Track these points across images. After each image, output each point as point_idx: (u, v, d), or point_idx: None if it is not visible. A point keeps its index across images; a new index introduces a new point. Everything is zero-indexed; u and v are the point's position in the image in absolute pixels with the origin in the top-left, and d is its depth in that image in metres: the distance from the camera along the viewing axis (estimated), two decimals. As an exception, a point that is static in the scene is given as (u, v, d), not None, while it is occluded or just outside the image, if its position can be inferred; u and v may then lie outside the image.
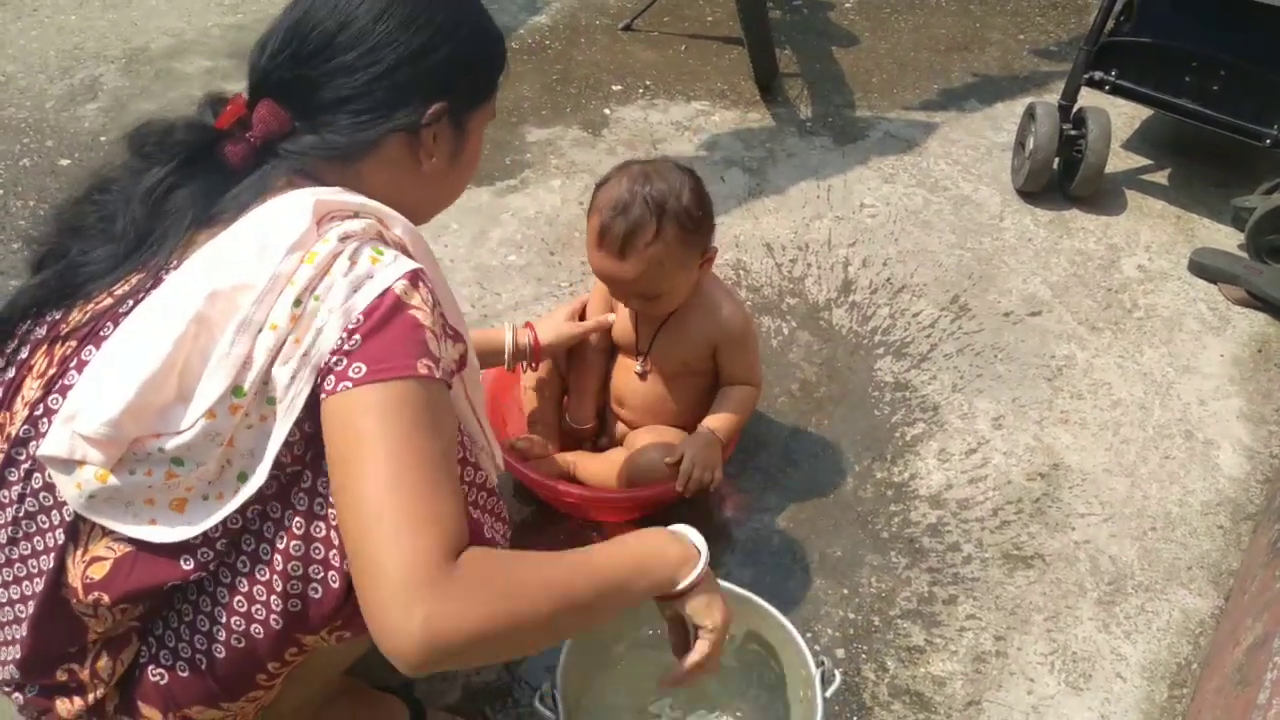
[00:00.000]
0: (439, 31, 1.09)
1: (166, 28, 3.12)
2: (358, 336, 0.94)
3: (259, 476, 0.99)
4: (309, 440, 0.99)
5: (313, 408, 0.96)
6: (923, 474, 1.89)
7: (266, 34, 1.10)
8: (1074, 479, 1.90)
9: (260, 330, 0.95)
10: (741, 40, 2.98)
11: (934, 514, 1.82)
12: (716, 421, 1.65)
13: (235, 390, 0.95)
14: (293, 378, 0.96)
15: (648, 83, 3.02)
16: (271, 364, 0.96)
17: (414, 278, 0.99)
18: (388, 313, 0.96)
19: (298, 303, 0.96)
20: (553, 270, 2.29)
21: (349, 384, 0.92)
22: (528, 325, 1.69)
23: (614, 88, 2.99)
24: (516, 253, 2.34)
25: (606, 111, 2.88)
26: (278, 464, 0.98)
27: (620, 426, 1.78)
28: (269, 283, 0.95)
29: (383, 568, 0.85)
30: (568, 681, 1.29)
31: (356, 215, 1.05)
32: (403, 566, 0.85)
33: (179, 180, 1.05)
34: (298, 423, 0.97)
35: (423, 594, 0.84)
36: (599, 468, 1.70)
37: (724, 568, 1.68)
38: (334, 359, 0.94)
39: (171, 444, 0.95)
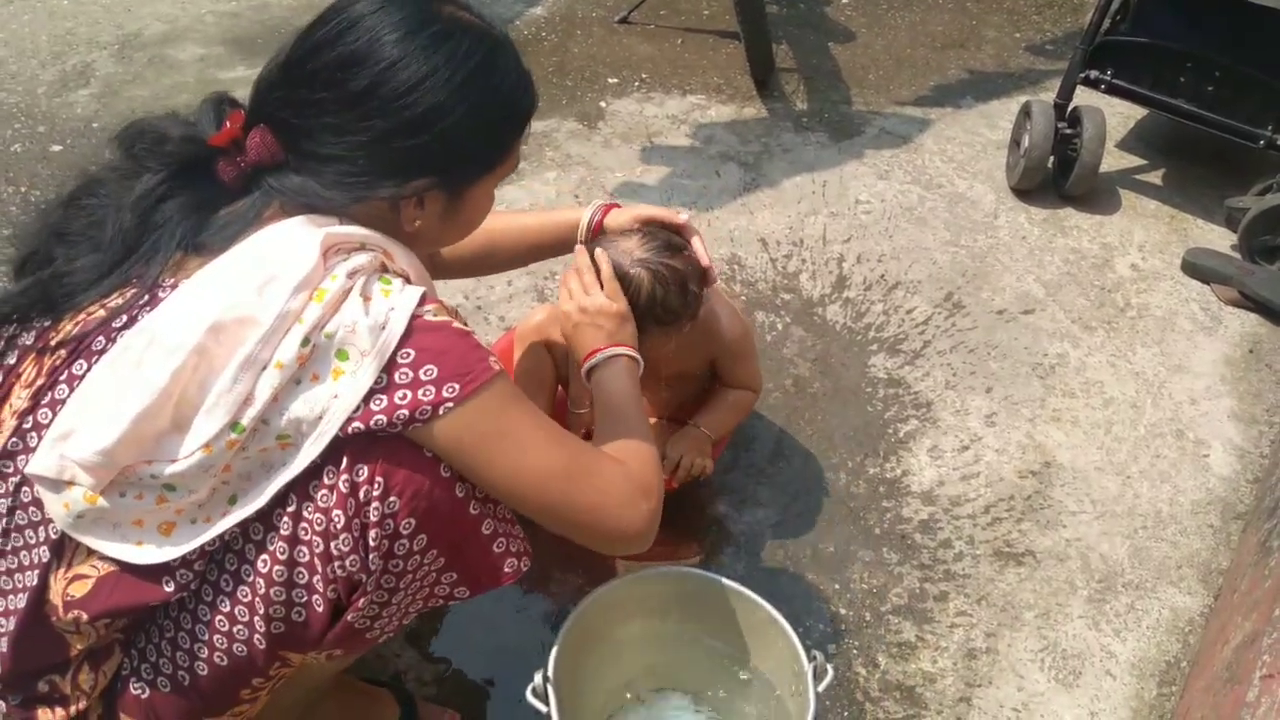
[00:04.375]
0: (440, 105, 1.01)
1: (160, 14, 3.10)
2: (431, 366, 0.98)
3: (255, 504, 0.97)
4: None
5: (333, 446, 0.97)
6: (915, 470, 1.89)
7: (275, 55, 1.05)
8: (1065, 477, 1.91)
9: (265, 368, 0.94)
10: (738, 34, 2.97)
11: (926, 510, 1.82)
12: (707, 419, 1.65)
13: (234, 426, 0.94)
14: (319, 417, 0.96)
15: (644, 76, 3.01)
16: (275, 401, 0.95)
17: (424, 299, 1.01)
18: (435, 336, 0.99)
19: (306, 341, 0.94)
20: (547, 262, 2.28)
21: (451, 404, 0.98)
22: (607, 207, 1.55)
23: (610, 80, 2.98)
24: (511, 245, 2.33)
25: (602, 104, 2.87)
26: None
27: None
28: (276, 321, 0.93)
29: (606, 492, 1.08)
30: (560, 672, 1.28)
31: (363, 247, 1.03)
32: (617, 483, 1.10)
33: (170, 191, 1.02)
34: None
35: (636, 490, 1.11)
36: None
37: (716, 562, 1.68)
38: (415, 392, 0.97)
39: (166, 471, 0.94)
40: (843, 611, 1.64)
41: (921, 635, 1.62)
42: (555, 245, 1.60)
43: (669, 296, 1.40)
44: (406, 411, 0.96)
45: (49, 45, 2.90)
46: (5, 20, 3.00)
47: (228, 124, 1.04)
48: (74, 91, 2.71)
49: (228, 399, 0.93)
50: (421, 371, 0.97)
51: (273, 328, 0.93)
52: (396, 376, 0.96)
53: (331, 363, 0.96)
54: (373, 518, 0.98)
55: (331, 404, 0.95)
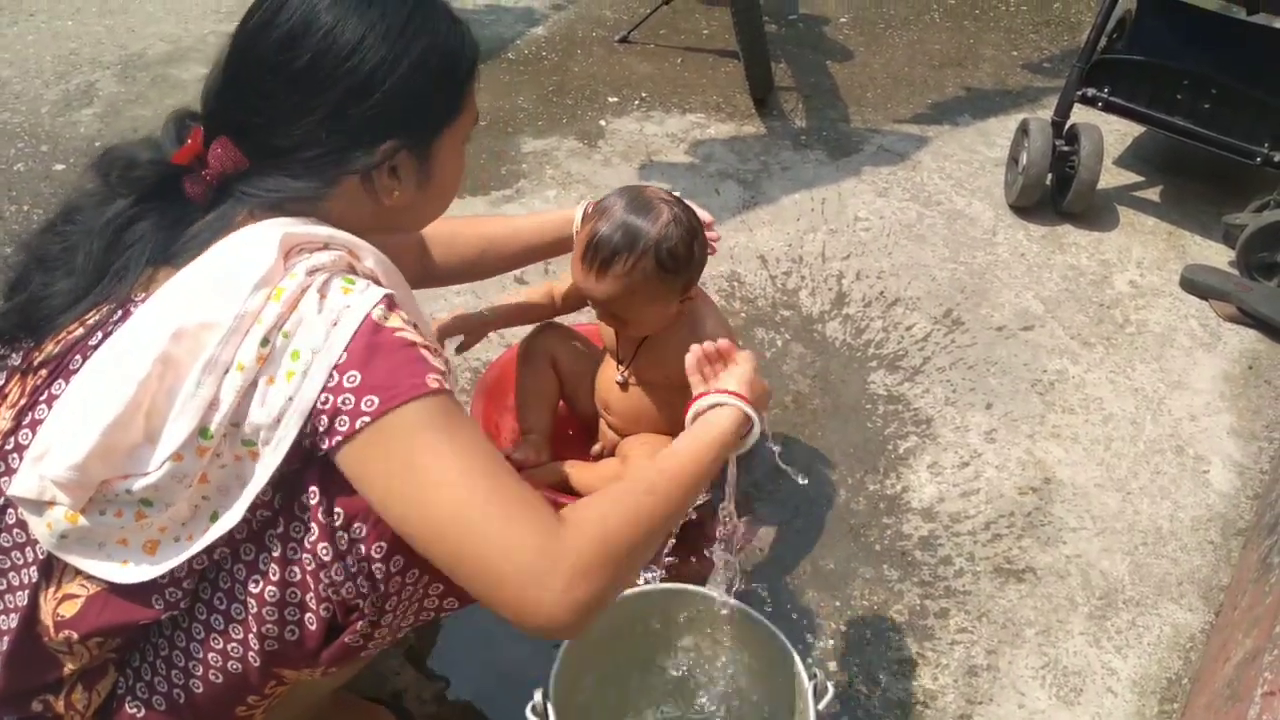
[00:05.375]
0: (383, 61, 1.00)
1: (163, 34, 3.12)
2: (355, 372, 0.91)
3: (232, 516, 0.96)
4: (276, 484, 0.96)
5: (293, 450, 0.93)
6: (915, 487, 1.89)
7: (216, 61, 1.05)
8: (1065, 493, 1.91)
9: (227, 371, 0.92)
10: (737, 54, 2.99)
11: (926, 527, 1.82)
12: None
13: (202, 432, 0.92)
14: (277, 420, 0.92)
15: (644, 95, 3.03)
16: (240, 405, 0.93)
17: (389, 303, 0.96)
18: (374, 340, 0.93)
19: (265, 342, 0.92)
20: (547, 281, 2.29)
21: (367, 418, 0.90)
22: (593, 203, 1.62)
23: (610, 99, 3.00)
24: (511, 262, 2.34)
25: (602, 123, 2.89)
26: (250, 506, 0.96)
27: (611, 434, 1.78)
28: (235, 321, 0.92)
29: (508, 556, 0.89)
30: (559, 690, 1.28)
31: (326, 246, 1.01)
32: (527, 550, 0.89)
33: (139, 213, 1.02)
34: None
35: (555, 566, 0.89)
36: (593, 477, 1.69)
37: (716, 578, 1.68)
38: (336, 399, 0.91)
39: (138, 485, 0.93)
40: (843, 629, 1.64)
41: (922, 652, 1.61)
42: (548, 245, 1.62)
43: (678, 243, 1.47)
44: (327, 419, 0.91)
45: (53, 65, 2.92)
46: (10, 41, 3.03)
47: (189, 141, 1.04)
48: (77, 111, 2.73)
49: (193, 404, 0.91)
50: (346, 377, 0.91)
51: (232, 328, 0.92)
52: (343, 380, 0.92)
53: (285, 364, 0.92)
54: (342, 546, 0.97)
55: (287, 405, 0.92)
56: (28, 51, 2.99)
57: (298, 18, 1.00)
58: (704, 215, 1.57)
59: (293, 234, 0.98)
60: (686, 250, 1.50)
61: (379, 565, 0.99)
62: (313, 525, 0.97)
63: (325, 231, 1.01)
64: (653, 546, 1.03)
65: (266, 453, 0.94)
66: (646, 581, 1.48)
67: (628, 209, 1.49)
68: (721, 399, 1.21)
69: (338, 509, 0.96)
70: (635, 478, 1.09)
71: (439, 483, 0.90)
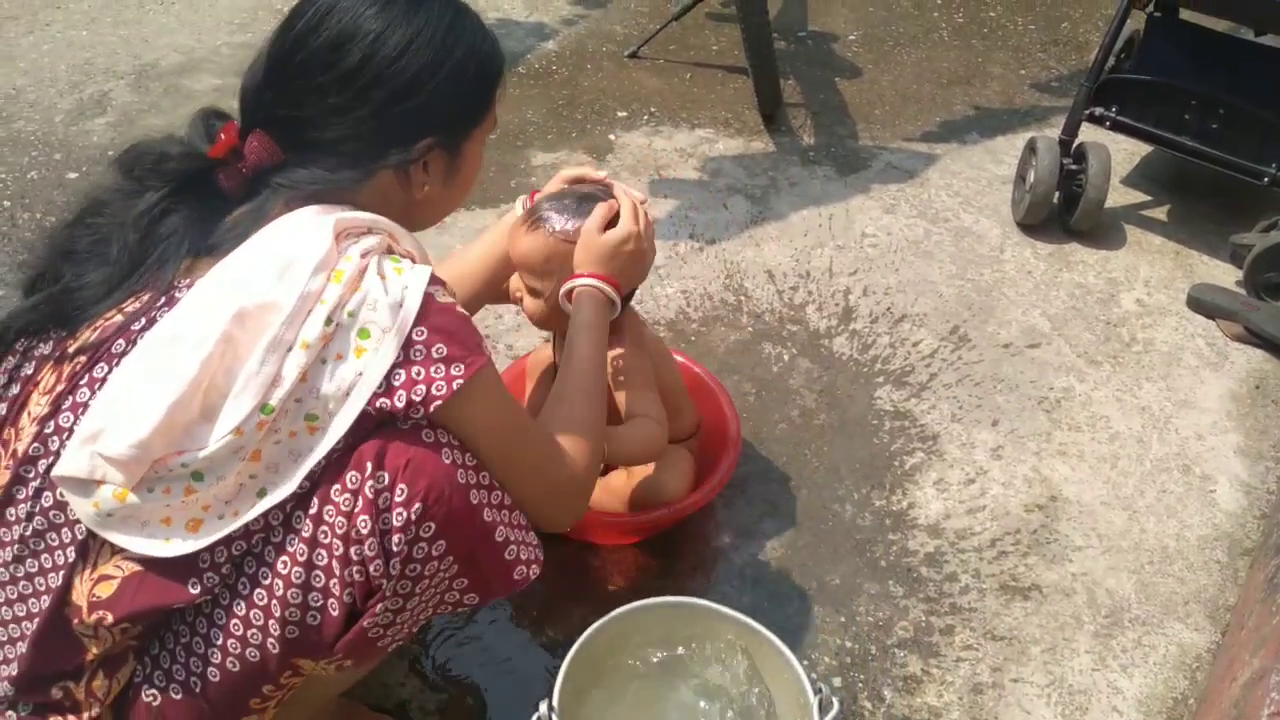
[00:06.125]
0: (428, 65, 1.08)
1: (177, 45, 3.15)
2: (436, 345, 1.02)
3: (284, 490, 0.99)
4: (326, 460, 1.01)
5: (359, 421, 1.00)
6: (921, 503, 1.89)
7: (255, 61, 1.10)
8: (1072, 511, 1.90)
9: (290, 349, 0.97)
10: (746, 69, 3.01)
11: (932, 543, 1.82)
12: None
13: (263, 408, 0.96)
14: (346, 394, 0.99)
15: (653, 109, 3.05)
16: (303, 381, 0.97)
17: (435, 278, 1.05)
18: (438, 316, 1.03)
19: (329, 321, 0.98)
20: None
21: (461, 380, 1.03)
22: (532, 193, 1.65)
23: (619, 114, 3.01)
24: (519, 275, 2.35)
25: (611, 137, 2.90)
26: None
27: None
28: (299, 303, 0.97)
29: (553, 464, 1.20)
30: (564, 702, 1.28)
31: (370, 231, 1.07)
32: (561, 460, 1.21)
33: (172, 205, 1.06)
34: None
35: (579, 490, 1.27)
36: (601, 488, 1.70)
37: (722, 593, 1.68)
38: (422, 369, 1.01)
39: (198, 457, 0.96)
40: (848, 644, 1.64)
41: (927, 669, 1.61)
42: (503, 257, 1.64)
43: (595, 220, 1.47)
44: (424, 388, 1.01)
45: (67, 75, 2.95)
46: (25, 50, 3.06)
47: (221, 135, 1.09)
48: (91, 120, 2.75)
49: (256, 381, 0.96)
50: (434, 350, 1.02)
51: (295, 309, 0.97)
52: (412, 353, 1.01)
53: (353, 341, 0.99)
54: (396, 523, 1.00)
55: (357, 380, 0.99)
56: (42, 61, 3.01)
57: (347, 23, 1.06)
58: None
59: (343, 219, 1.04)
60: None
61: (422, 545, 1.02)
62: (352, 499, 1.00)
63: (368, 217, 1.08)
64: (603, 418, 1.34)
65: (332, 424, 0.99)
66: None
67: (584, 191, 1.51)
68: (573, 283, 1.39)
69: (384, 472, 1.00)
70: (554, 402, 1.30)
71: (520, 430, 1.15)
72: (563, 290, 1.41)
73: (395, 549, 1.00)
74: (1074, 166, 2.57)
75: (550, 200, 1.49)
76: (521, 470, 1.14)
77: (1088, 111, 2.54)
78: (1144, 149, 2.96)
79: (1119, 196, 2.81)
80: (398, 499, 1.00)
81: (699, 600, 1.46)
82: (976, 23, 3.71)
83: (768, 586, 1.71)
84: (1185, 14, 2.55)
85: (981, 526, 1.86)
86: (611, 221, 1.44)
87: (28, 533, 1.02)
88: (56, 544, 1.02)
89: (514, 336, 2.16)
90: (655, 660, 1.45)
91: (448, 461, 1.04)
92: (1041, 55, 3.55)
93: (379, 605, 1.03)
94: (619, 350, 1.60)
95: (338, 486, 1.01)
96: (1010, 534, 1.85)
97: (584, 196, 1.49)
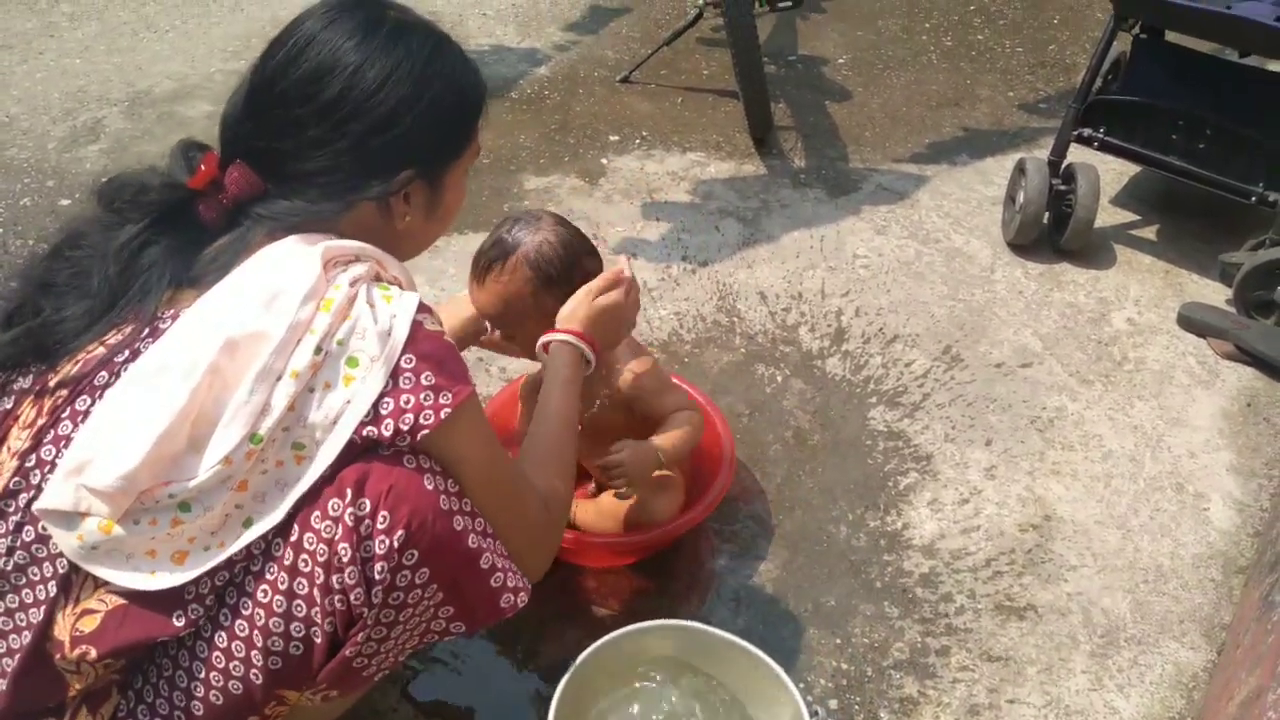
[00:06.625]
0: (406, 97, 1.08)
1: (170, 72, 3.16)
2: (422, 373, 1.02)
3: (271, 519, 0.99)
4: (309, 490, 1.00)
5: (345, 449, 1.00)
6: (915, 523, 1.89)
7: (236, 91, 1.11)
8: (1066, 530, 1.90)
9: (280, 379, 0.97)
10: (737, 93, 3.03)
11: (927, 564, 1.81)
12: (662, 438, 1.62)
13: (253, 437, 0.96)
14: (333, 422, 0.98)
15: (644, 133, 3.07)
16: (291, 410, 0.97)
17: (423, 306, 1.05)
18: (426, 344, 1.03)
19: (318, 350, 0.98)
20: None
21: (449, 409, 1.03)
22: None
23: (611, 138, 3.03)
24: (512, 298, 2.35)
25: (604, 161, 2.92)
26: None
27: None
28: (288, 332, 0.97)
29: (532, 506, 1.20)
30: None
31: (357, 259, 1.07)
32: (534, 525, 1.20)
33: (152, 237, 1.05)
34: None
35: (549, 532, 1.26)
36: (594, 513, 1.69)
37: (716, 615, 1.67)
38: (410, 397, 1.01)
39: (182, 489, 0.95)
40: (844, 666, 1.63)
41: (924, 690, 1.60)
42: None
43: (553, 255, 1.51)
44: (412, 416, 1.00)
45: (60, 102, 2.96)
46: (19, 78, 3.07)
47: (201, 167, 1.08)
48: (84, 147, 2.76)
49: (245, 410, 0.95)
50: (422, 377, 1.02)
51: (285, 339, 0.97)
52: (400, 381, 1.01)
53: (342, 370, 0.99)
54: (379, 550, 0.99)
55: (345, 409, 0.99)
56: (36, 89, 3.02)
57: (326, 55, 1.06)
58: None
59: (331, 247, 1.04)
60: (563, 264, 1.52)
61: (405, 573, 1.01)
62: (333, 526, 0.99)
63: (355, 245, 1.08)
64: (573, 470, 1.34)
65: (319, 453, 0.99)
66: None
67: (509, 226, 1.54)
68: (550, 337, 1.42)
69: (365, 499, 1.00)
70: (528, 448, 1.30)
71: (496, 462, 1.14)
72: (540, 343, 1.45)
73: (378, 577, 0.99)
74: (1063, 187, 2.59)
75: (485, 248, 1.53)
76: (499, 504, 1.13)
77: (1076, 132, 2.56)
78: (1132, 169, 2.98)
79: (1108, 216, 2.83)
80: (379, 526, 0.99)
81: (695, 624, 1.46)
82: (965, 46, 3.75)
83: (762, 608, 1.71)
84: (1171, 36, 2.57)
85: (976, 546, 1.85)
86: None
87: (8, 568, 1.01)
88: (38, 578, 1.01)
89: (508, 359, 2.15)
90: (650, 685, 1.44)
91: (430, 487, 1.03)
92: (1029, 77, 3.58)
93: (361, 634, 1.02)
94: (631, 364, 1.63)
95: (318, 513, 1.00)
96: (1005, 554, 1.84)
97: (515, 223, 1.53)
